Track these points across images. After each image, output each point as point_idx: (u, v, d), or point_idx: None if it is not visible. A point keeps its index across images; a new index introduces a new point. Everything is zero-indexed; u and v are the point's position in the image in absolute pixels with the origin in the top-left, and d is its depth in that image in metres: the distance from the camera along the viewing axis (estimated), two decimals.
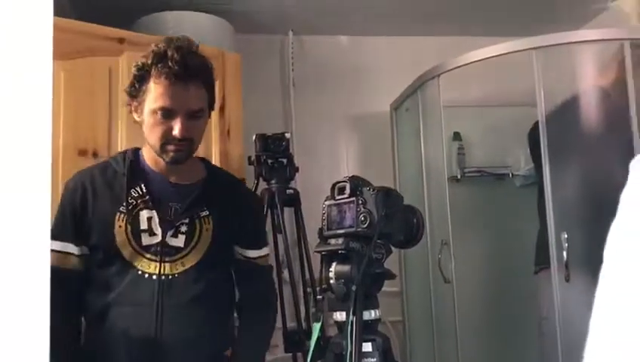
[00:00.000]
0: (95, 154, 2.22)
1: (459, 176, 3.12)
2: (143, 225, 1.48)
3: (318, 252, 1.31)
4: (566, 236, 2.20)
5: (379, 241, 1.23)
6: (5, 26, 0.50)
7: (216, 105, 1.67)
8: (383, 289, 1.27)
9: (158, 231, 1.49)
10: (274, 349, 2.48)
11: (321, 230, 1.31)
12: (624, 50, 2.25)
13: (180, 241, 1.50)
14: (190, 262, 1.50)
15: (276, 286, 1.83)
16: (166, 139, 1.47)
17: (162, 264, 1.47)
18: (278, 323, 2.11)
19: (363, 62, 3.45)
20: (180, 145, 1.48)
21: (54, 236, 1.45)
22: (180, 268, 1.49)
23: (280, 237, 2.47)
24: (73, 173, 1.60)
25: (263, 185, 2.49)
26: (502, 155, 3.22)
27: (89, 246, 1.51)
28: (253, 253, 1.63)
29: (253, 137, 2.50)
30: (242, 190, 1.81)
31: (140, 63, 1.47)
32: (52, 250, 1.44)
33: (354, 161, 3.42)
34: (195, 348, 1.47)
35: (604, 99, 2.35)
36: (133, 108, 1.53)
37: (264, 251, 1.68)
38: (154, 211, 1.50)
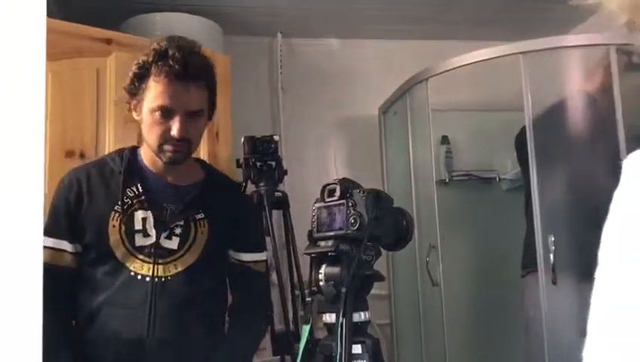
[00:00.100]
0: (82, 156, 2.21)
1: (447, 180, 3.13)
2: (138, 226, 1.47)
3: (307, 254, 1.30)
4: (553, 239, 2.22)
5: (369, 243, 1.23)
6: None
7: None
8: (371, 291, 1.28)
9: (153, 232, 1.47)
10: (262, 352, 2.47)
11: (310, 232, 1.31)
12: (610, 55, 2.28)
13: (173, 243, 1.48)
14: (184, 264, 1.48)
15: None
16: (164, 138, 1.45)
17: (156, 266, 1.45)
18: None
19: (352, 65, 3.45)
20: (178, 146, 1.46)
21: (48, 232, 1.44)
22: (174, 271, 1.47)
23: (268, 240, 2.46)
24: (62, 174, 1.58)
25: (251, 187, 2.48)
26: (489, 159, 3.24)
27: (82, 245, 1.48)
28: (246, 257, 1.60)
29: (242, 139, 2.49)
30: (239, 193, 1.79)
31: (140, 61, 1.45)
32: (45, 247, 1.42)
33: (342, 164, 3.42)
34: (186, 351, 1.45)
35: (590, 104, 2.37)
36: (132, 107, 1.50)
37: (259, 256, 1.64)
38: (149, 212, 1.48)
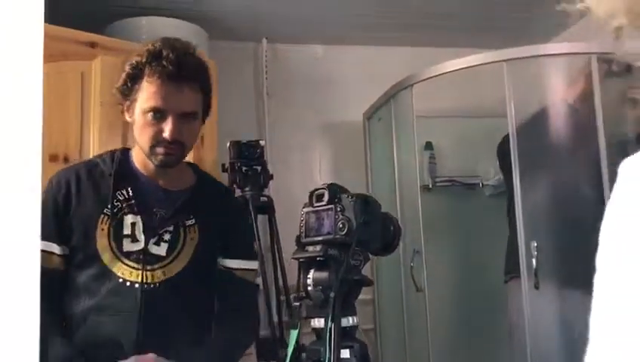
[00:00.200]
0: (66, 160, 2.19)
1: (430, 185, 3.15)
2: (126, 231, 1.44)
3: (295, 259, 1.30)
4: (535, 245, 2.24)
5: (357, 248, 1.24)
6: None
7: None
8: None
9: (141, 237, 1.44)
10: (248, 357, 2.46)
11: (299, 237, 1.31)
12: (591, 63, 2.32)
13: (161, 250, 1.45)
14: (172, 271, 1.45)
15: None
16: (156, 140, 1.42)
17: (144, 272, 1.42)
18: None
19: (336, 71, 3.47)
20: (170, 148, 1.42)
21: None
22: (162, 277, 1.44)
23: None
24: (45, 178, 1.55)
25: (236, 192, 2.48)
26: (472, 165, 3.27)
27: (69, 247, 1.45)
28: (235, 264, 1.56)
29: (228, 144, 2.49)
30: (232, 199, 1.77)
31: (134, 62, 1.42)
32: None
33: (327, 169, 3.43)
34: (175, 358, 1.43)
35: (571, 111, 2.41)
36: (125, 108, 1.47)
37: (249, 264, 1.59)
38: (138, 216, 1.45)
